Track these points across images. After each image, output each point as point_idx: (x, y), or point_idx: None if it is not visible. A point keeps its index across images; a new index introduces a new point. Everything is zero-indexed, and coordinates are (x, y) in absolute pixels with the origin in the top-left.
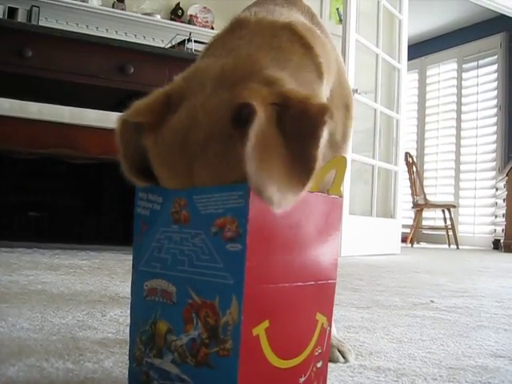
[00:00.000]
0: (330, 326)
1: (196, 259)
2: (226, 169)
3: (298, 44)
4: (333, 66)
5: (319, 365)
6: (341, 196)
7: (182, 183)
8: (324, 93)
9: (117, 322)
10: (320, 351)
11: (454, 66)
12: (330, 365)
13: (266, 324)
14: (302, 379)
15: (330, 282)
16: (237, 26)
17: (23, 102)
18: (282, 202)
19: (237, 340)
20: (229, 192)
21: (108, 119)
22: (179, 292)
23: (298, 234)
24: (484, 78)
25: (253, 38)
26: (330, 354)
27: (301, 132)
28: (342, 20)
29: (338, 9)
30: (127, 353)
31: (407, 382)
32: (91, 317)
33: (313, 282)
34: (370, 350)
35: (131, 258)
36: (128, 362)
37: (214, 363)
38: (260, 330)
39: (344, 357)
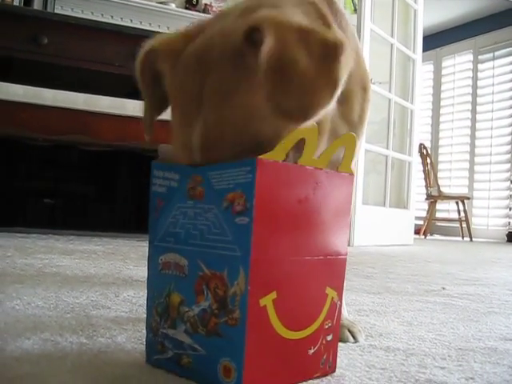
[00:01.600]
0: (341, 300)
1: (207, 233)
2: (235, 86)
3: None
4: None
5: (329, 338)
6: (351, 173)
7: (192, 108)
8: None
9: (130, 302)
10: (330, 325)
11: (470, 57)
12: (340, 344)
13: (273, 295)
14: (311, 351)
15: (339, 257)
16: None
17: (38, 88)
18: (303, 113)
19: (244, 309)
20: (238, 168)
21: (122, 106)
22: (191, 265)
23: (306, 208)
24: (500, 70)
25: None
26: (341, 333)
27: (321, 55)
28: (356, 10)
29: None
30: (140, 330)
31: (416, 361)
32: (105, 297)
33: (322, 257)
34: (380, 332)
35: (145, 244)
36: (145, 332)
37: (223, 332)
38: (267, 301)
39: (354, 337)
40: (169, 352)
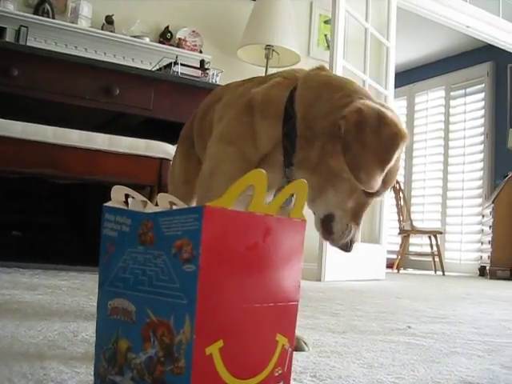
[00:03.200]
0: (292, 347)
1: (156, 279)
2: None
3: None
4: None
5: None
6: (303, 219)
7: None
8: None
9: (87, 342)
10: (280, 372)
11: (442, 93)
12: None
13: (220, 344)
14: None
15: (290, 303)
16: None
17: (7, 120)
18: (371, 181)
19: (189, 358)
20: (186, 215)
21: (91, 140)
22: (138, 311)
23: (256, 255)
24: (471, 106)
25: None
26: (297, 344)
27: (388, 139)
28: (329, 46)
29: (326, 35)
30: (92, 372)
31: None
32: (62, 337)
33: (272, 304)
34: (339, 374)
35: None
36: (93, 379)
37: (169, 381)
38: (213, 350)
39: (306, 345)
40: None
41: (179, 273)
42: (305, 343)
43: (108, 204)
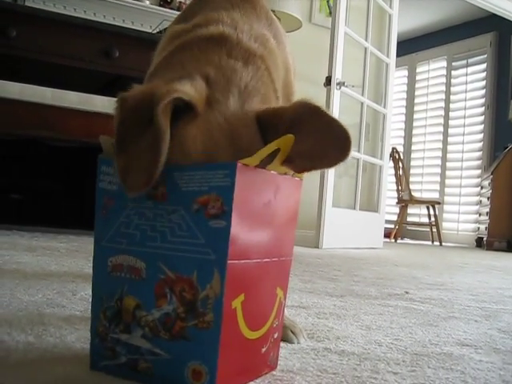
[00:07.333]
0: (285, 299)
1: (171, 235)
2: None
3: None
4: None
5: (276, 336)
6: (301, 179)
7: None
8: None
9: (86, 301)
10: (277, 323)
11: (444, 63)
12: (294, 347)
13: (242, 297)
14: (263, 349)
15: (288, 258)
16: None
17: (4, 81)
18: None
19: (218, 313)
20: (214, 170)
21: (91, 102)
22: (149, 268)
23: (269, 211)
24: (473, 77)
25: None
26: (284, 334)
27: None
28: (331, 12)
29: (328, 1)
30: None
31: (369, 366)
32: (61, 295)
33: (276, 259)
34: (337, 335)
35: None
36: (90, 337)
37: (192, 335)
38: (237, 303)
39: (296, 337)
40: (121, 357)
41: (204, 228)
42: (293, 333)
43: (102, 156)
